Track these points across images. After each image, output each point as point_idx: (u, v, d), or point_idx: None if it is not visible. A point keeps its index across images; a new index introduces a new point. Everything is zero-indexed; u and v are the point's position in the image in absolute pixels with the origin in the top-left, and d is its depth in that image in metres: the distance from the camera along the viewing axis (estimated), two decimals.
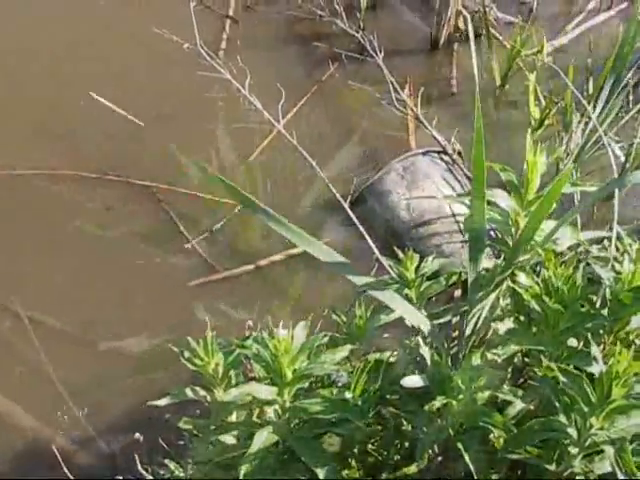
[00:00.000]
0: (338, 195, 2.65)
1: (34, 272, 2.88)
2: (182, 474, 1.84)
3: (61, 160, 3.18)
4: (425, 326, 1.65)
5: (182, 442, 1.92)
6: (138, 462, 1.72)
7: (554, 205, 1.56)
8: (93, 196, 3.10)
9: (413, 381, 1.50)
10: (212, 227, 3.01)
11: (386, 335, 2.33)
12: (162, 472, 1.87)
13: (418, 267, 1.97)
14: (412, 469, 1.49)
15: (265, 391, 1.47)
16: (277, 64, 3.55)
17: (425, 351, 1.56)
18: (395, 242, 2.72)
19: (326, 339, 1.63)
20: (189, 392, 1.58)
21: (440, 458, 1.64)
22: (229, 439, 1.65)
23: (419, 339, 1.62)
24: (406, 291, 1.82)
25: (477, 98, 1.31)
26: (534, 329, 1.58)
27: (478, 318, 1.71)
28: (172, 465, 1.88)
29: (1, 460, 2.40)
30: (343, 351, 1.57)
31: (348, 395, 1.62)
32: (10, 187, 3.09)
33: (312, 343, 1.48)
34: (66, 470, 2.02)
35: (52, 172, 3.14)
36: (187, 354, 1.53)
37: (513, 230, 1.63)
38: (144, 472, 1.73)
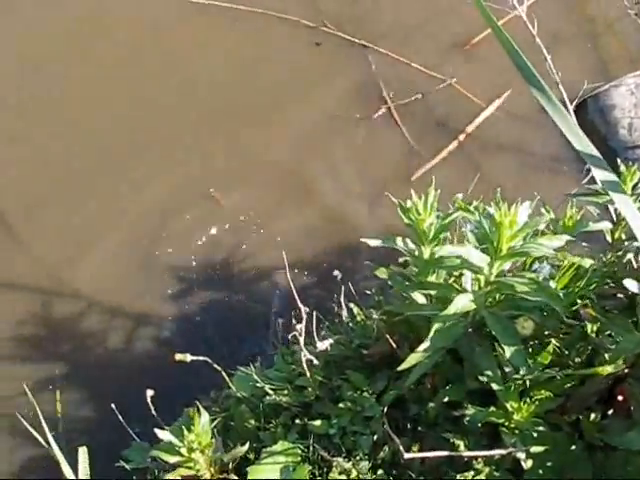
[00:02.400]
0: (565, 95, 2.56)
1: None
2: (364, 320, 1.90)
3: (290, 7, 3.30)
4: None
5: (369, 292, 1.97)
6: (336, 300, 1.80)
7: None
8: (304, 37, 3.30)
9: (633, 285, 1.46)
10: (415, 96, 3.10)
11: (584, 244, 2.28)
12: (345, 316, 1.94)
13: (636, 186, 1.90)
14: (607, 369, 1.47)
15: (478, 257, 1.46)
16: None
17: None
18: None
19: (544, 226, 1.62)
20: (399, 242, 1.61)
21: (627, 370, 1.61)
22: (420, 298, 1.69)
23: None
24: None
25: None
26: None
27: None
28: (355, 309, 1.95)
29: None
30: (560, 240, 1.53)
31: (552, 284, 1.61)
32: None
33: (535, 223, 1.45)
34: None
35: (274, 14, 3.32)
36: (409, 204, 1.55)
37: None
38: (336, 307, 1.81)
